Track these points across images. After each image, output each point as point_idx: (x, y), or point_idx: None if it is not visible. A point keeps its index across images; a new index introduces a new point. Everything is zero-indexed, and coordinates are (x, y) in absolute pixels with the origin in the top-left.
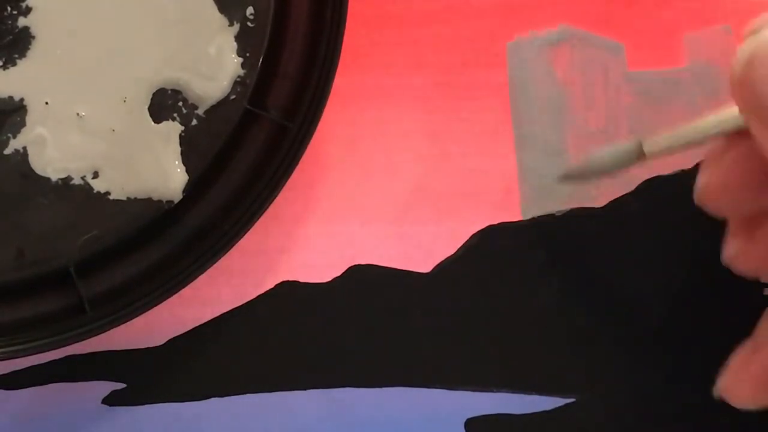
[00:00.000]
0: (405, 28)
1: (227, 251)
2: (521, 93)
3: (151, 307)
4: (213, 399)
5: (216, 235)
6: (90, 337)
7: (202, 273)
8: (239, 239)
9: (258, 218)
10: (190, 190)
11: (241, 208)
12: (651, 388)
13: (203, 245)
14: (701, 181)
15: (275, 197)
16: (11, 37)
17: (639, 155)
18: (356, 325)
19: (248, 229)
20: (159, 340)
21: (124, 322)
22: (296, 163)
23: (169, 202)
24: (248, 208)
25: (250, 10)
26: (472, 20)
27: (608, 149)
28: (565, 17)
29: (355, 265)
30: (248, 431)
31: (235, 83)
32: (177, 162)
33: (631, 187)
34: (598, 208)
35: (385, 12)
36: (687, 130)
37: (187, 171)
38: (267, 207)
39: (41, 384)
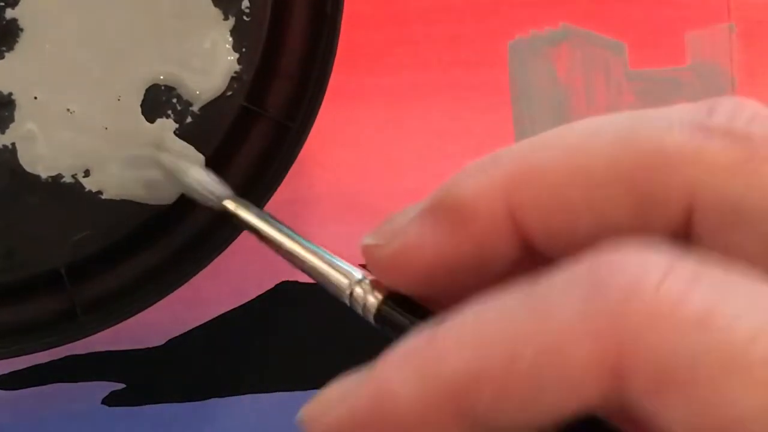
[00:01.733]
0: (405, 27)
1: (222, 252)
2: (522, 92)
3: (144, 309)
4: (213, 399)
5: (211, 237)
6: (81, 339)
7: (195, 275)
8: (234, 240)
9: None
10: None
11: None
12: None
13: (198, 247)
14: (366, 239)
15: (272, 196)
16: None
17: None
18: (356, 325)
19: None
20: (159, 340)
21: (115, 324)
22: (293, 161)
23: (164, 203)
24: None
25: (245, 3)
26: (472, 19)
27: (203, 182)
28: (566, 16)
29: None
30: (248, 431)
31: (232, 79)
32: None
33: None
34: None
35: (385, 11)
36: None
37: None
38: (263, 206)
39: (41, 384)
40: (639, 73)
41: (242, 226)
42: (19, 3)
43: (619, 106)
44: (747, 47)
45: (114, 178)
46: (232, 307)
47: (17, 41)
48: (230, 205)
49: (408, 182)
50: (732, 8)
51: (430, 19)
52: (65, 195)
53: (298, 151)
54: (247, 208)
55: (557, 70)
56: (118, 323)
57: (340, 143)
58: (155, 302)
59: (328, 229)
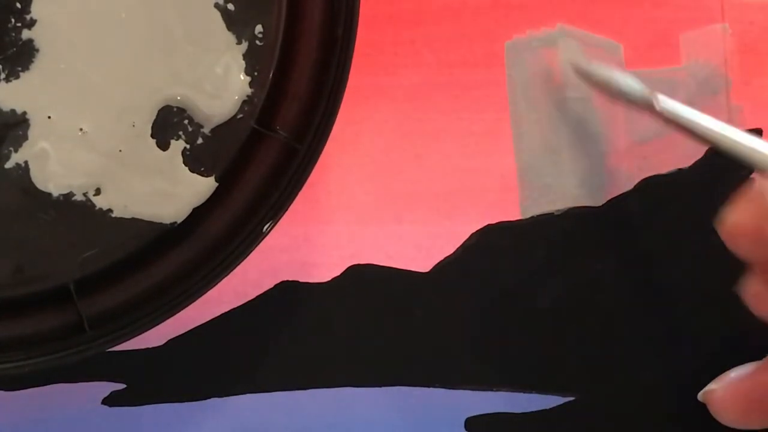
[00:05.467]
0: (403, 28)
1: (230, 272)
2: (520, 92)
3: (153, 327)
4: (213, 399)
5: (219, 256)
6: (89, 355)
7: (203, 294)
8: (243, 260)
9: (262, 239)
10: (194, 209)
11: (246, 229)
12: (651, 387)
13: (206, 266)
14: (727, 218)
15: (280, 218)
16: (15, 49)
17: (648, 105)
18: (356, 325)
19: (252, 250)
20: (159, 340)
21: (124, 341)
22: (302, 184)
23: (173, 222)
24: (253, 229)
25: (258, 28)
26: (470, 20)
27: (627, 82)
28: (562, 17)
29: (355, 265)
30: (248, 431)
31: (243, 102)
32: None
33: (630, 186)
34: (597, 207)
35: (383, 12)
36: (707, 127)
37: None
38: (272, 228)
39: (41, 384)
40: (635, 74)
41: (668, 122)
42: (36, 24)
43: (615, 106)
44: (741, 48)
45: (125, 197)
46: (232, 307)
47: (33, 61)
48: (657, 101)
49: (408, 182)
50: (726, 9)
51: (427, 20)
52: (76, 213)
53: (309, 173)
54: (673, 103)
55: (554, 71)
56: (126, 340)
57: (339, 143)
58: (163, 320)
59: (329, 229)
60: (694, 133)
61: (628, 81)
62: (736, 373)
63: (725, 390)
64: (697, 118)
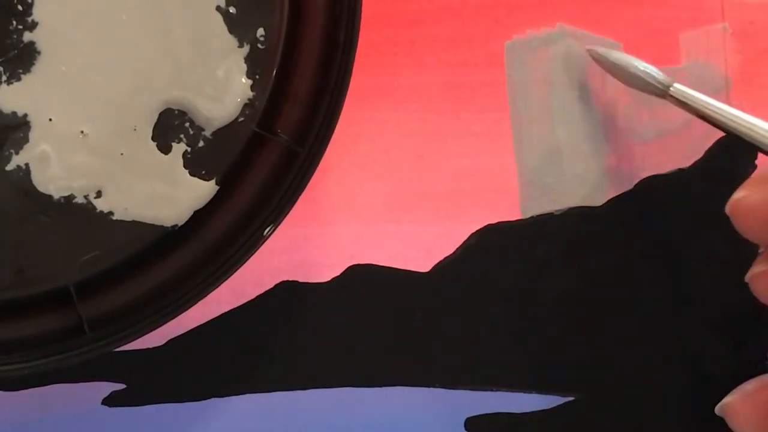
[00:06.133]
0: (403, 28)
1: (231, 275)
2: (519, 92)
3: (153, 330)
4: (213, 399)
5: (220, 260)
6: (89, 358)
7: (204, 296)
8: (243, 264)
9: (263, 243)
10: (194, 213)
11: (246, 232)
12: (651, 387)
13: (207, 269)
14: (737, 194)
15: (281, 221)
16: (16, 51)
17: (662, 92)
18: (356, 325)
19: (253, 254)
20: (159, 340)
21: (124, 344)
22: (303, 188)
23: (174, 224)
24: (254, 232)
25: (260, 31)
26: (469, 20)
27: (644, 69)
28: (562, 17)
29: (355, 265)
30: (248, 431)
31: (244, 105)
32: None
33: (630, 186)
34: (597, 207)
35: (383, 12)
36: (723, 112)
37: None
38: (273, 232)
39: (41, 384)
40: None
41: (689, 110)
42: (37, 26)
43: (616, 105)
44: (741, 47)
45: (125, 200)
46: (231, 307)
47: (34, 64)
48: (676, 91)
49: (408, 182)
50: (726, 9)
51: (427, 20)
52: (76, 215)
53: (310, 177)
54: (691, 94)
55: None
56: (126, 343)
57: (339, 143)
58: (163, 323)
59: (328, 229)
60: (707, 117)
61: (647, 67)
62: (753, 385)
63: (743, 402)
64: (711, 102)
